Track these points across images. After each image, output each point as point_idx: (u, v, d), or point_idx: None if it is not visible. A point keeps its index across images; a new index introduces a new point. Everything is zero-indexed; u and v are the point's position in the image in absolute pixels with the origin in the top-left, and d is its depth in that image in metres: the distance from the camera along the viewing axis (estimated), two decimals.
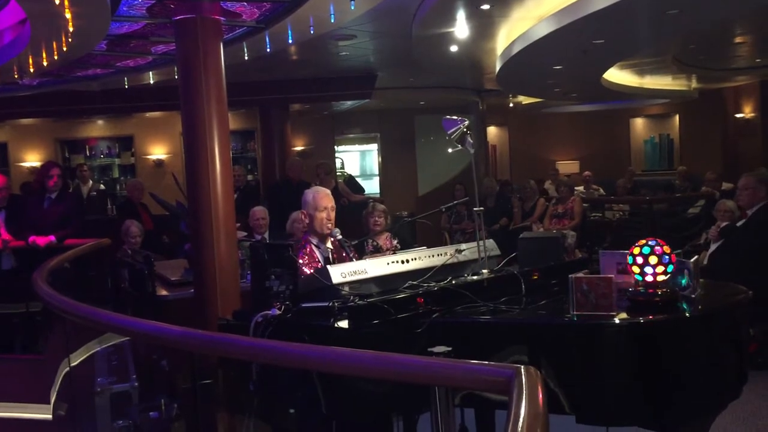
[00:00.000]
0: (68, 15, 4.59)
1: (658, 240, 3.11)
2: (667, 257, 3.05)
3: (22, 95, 9.59)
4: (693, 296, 3.17)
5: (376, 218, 5.98)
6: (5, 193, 6.82)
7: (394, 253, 4.21)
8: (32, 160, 12.29)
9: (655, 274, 3.03)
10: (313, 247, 4.19)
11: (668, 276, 3.08)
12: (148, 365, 4.98)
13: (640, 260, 3.07)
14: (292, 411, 3.44)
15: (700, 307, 3.16)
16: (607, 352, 2.98)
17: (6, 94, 9.28)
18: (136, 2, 5.42)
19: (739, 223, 6.21)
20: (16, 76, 7.33)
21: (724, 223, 6.25)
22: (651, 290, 3.06)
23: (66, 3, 4.41)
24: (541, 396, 1.74)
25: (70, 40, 5.50)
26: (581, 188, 12.60)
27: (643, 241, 3.09)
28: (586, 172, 13.78)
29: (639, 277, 3.08)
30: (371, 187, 14.82)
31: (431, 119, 14.16)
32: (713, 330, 3.11)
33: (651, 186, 13.53)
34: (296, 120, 12.79)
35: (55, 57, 6.01)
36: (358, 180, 13.30)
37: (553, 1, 6.59)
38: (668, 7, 6.13)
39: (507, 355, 3.09)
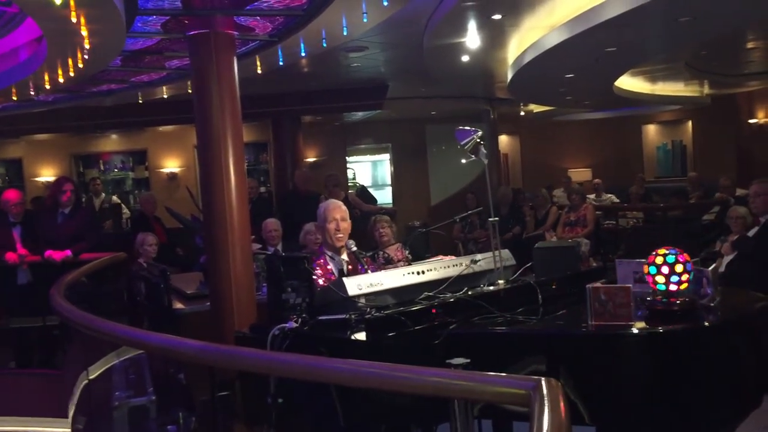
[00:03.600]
0: (84, 32, 4.63)
1: (676, 248, 3.09)
2: (685, 266, 3.03)
3: (37, 111, 9.68)
4: (712, 305, 3.15)
5: (380, 229, 5.97)
6: (21, 209, 6.86)
7: (409, 264, 4.22)
8: (47, 175, 12.38)
9: (674, 283, 3.02)
10: (328, 259, 4.19)
11: (687, 285, 3.06)
12: (165, 379, 4.99)
13: (657, 269, 3.05)
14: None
15: (719, 315, 3.15)
16: (626, 362, 2.96)
17: (21, 110, 9.37)
18: (150, 19, 5.48)
19: (751, 232, 6.15)
20: (32, 93, 7.41)
21: (735, 237, 6.19)
22: (669, 299, 3.05)
23: (82, 20, 4.46)
24: (563, 408, 1.74)
25: (86, 56, 5.56)
26: (592, 196, 12.56)
27: (661, 250, 3.08)
28: (596, 180, 13.74)
29: (659, 287, 3.06)
30: (384, 197, 14.84)
31: (442, 129, 14.18)
32: (733, 338, 3.08)
33: (663, 192, 13.45)
34: (308, 131, 12.84)
35: (71, 74, 6.06)
36: (371, 190, 13.32)
37: (564, 9, 6.59)
38: (680, 15, 6.12)
39: (525, 365, 3.08)
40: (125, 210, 11.58)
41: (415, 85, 11.34)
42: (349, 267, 4.22)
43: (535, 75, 8.82)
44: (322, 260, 4.16)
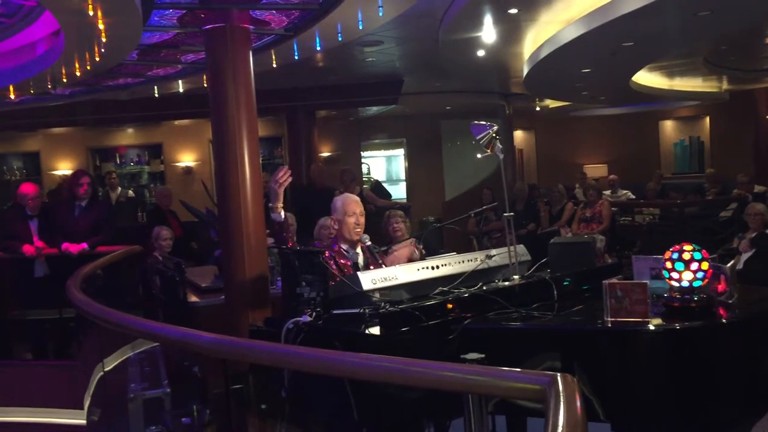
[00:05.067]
0: (101, 26, 4.65)
1: (693, 245, 3.06)
2: (703, 262, 3.00)
3: (54, 104, 9.74)
4: (730, 302, 3.12)
5: (394, 224, 5.95)
6: (38, 202, 6.91)
7: (423, 259, 4.21)
8: (64, 168, 12.47)
9: (691, 280, 2.99)
10: (343, 252, 4.20)
11: (704, 282, 3.03)
12: (180, 371, 5.02)
13: (674, 265, 3.02)
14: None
15: (737, 312, 3.11)
16: (642, 359, 2.94)
17: (38, 104, 9.43)
18: (167, 12, 5.49)
19: None
20: (49, 86, 7.45)
21: (753, 234, 6.16)
22: (687, 296, 3.02)
23: (99, 14, 4.48)
24: (579, 404, 1.72)
25: (102, 50, 5.58)
26: (608, 192, 12.48)
27: (679, 246, 3.05)
28: (612, 176, 13.65)
29: (674, 283, 3.04)
30: (398, 192, 14.81)
31: (457, 123, 14.14)
32: (750, 336, 3.06)
33: (680, 189, 13.35)
34: (323, 126, 12.84)
35: (88, 67, 6.09)
36: (385, 185, 13.29)
37: (581, 3, 6.54)
38: (699, 9, 6.05)
39: (540, 361, 3.07)
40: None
41: (430, 80, 11.30)
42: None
43: (551, 70, 8.76)
44: (336, 248, 4.18)
